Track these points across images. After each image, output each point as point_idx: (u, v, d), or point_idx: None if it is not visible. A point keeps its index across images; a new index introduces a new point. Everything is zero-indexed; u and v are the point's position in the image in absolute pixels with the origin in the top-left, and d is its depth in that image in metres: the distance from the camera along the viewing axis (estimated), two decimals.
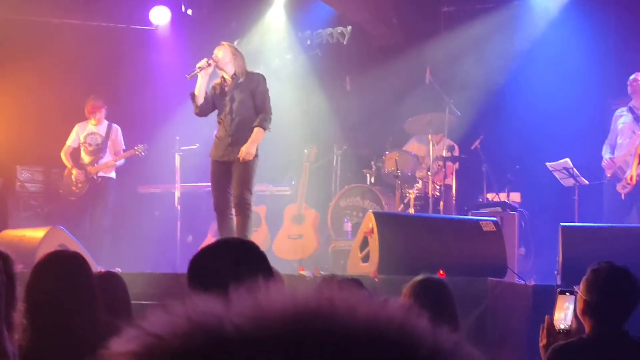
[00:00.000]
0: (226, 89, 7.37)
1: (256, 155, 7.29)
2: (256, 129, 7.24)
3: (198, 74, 7.32)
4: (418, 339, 0.64)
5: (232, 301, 0.65)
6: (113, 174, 9.62)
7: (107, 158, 9.55)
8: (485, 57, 10.17)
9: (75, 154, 9.59)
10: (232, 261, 2.45)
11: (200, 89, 7.35)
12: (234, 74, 7.35)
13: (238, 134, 7.25)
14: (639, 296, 3.48)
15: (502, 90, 10.13)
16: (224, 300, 0.66)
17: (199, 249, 2.62)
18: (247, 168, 7.23)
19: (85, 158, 9.55)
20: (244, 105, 7.28)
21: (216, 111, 7.50)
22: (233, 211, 7.29)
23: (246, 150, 7.16)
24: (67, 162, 9.55)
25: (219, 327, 0.64)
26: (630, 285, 3.47)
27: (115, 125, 9.68)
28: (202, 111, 7.44)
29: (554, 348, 3.41)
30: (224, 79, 7.42)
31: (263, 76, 7.47)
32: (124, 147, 9.65)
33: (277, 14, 11.15)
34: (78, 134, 9.60)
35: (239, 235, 7.17)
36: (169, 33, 11.25)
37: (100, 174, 9.49)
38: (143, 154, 9.59)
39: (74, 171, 9.48)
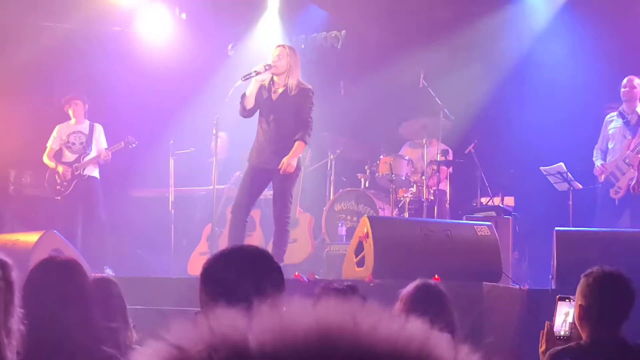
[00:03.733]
0: (273, 95, 7.30)
1: (298, 168, 7.34)
2: (297, 143, 7.23)
3: (253, 77, 7.27)
4: (438, 359, 0.64)
5: (256, 316, 0.66)
6: (97, 173, 9.36)
7: (93, 154, 9.32)
8: (479, 61, 10.19)
9: (57, 155, 9.37)
10: (254, 273, 2.43)
11: (252, 92, 7.29)
12: (287, 86, 7.27)
13: (280, 143, 7.24)
14: (632, 299, 3.48)
15: (496, 95, 10.14)
16: (247, 315, 0.66)
17: (213, 255, 2.59)
18: (289, 180, 7.27)
19: (70, 157, 9.32)
20: (290, 116, 7.25)
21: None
22: (247, 219, 7.38)
23: (287, 162, 7.16)
24: (51, 163, 9.32)
25: (242, 342, 0.64)
26: (622, 288, 3.47)
27: (97, 124, 9.46)
28: (249, 113, 7.40)
29: (552, 352, 3.42)
30: (273, 81, 7.32)
31: (312, 92, 7.36)
32: (106, 146, 9.41)
33: (271, 18, 11.15)
34: (60, 135, 9.38)
35: (276, 248, 7.28)
36: (163, 37, 11.23)
37: (86, 172, 9.25)
38: (133, 145, 9.37)
39: (60, 168, 9.21)
